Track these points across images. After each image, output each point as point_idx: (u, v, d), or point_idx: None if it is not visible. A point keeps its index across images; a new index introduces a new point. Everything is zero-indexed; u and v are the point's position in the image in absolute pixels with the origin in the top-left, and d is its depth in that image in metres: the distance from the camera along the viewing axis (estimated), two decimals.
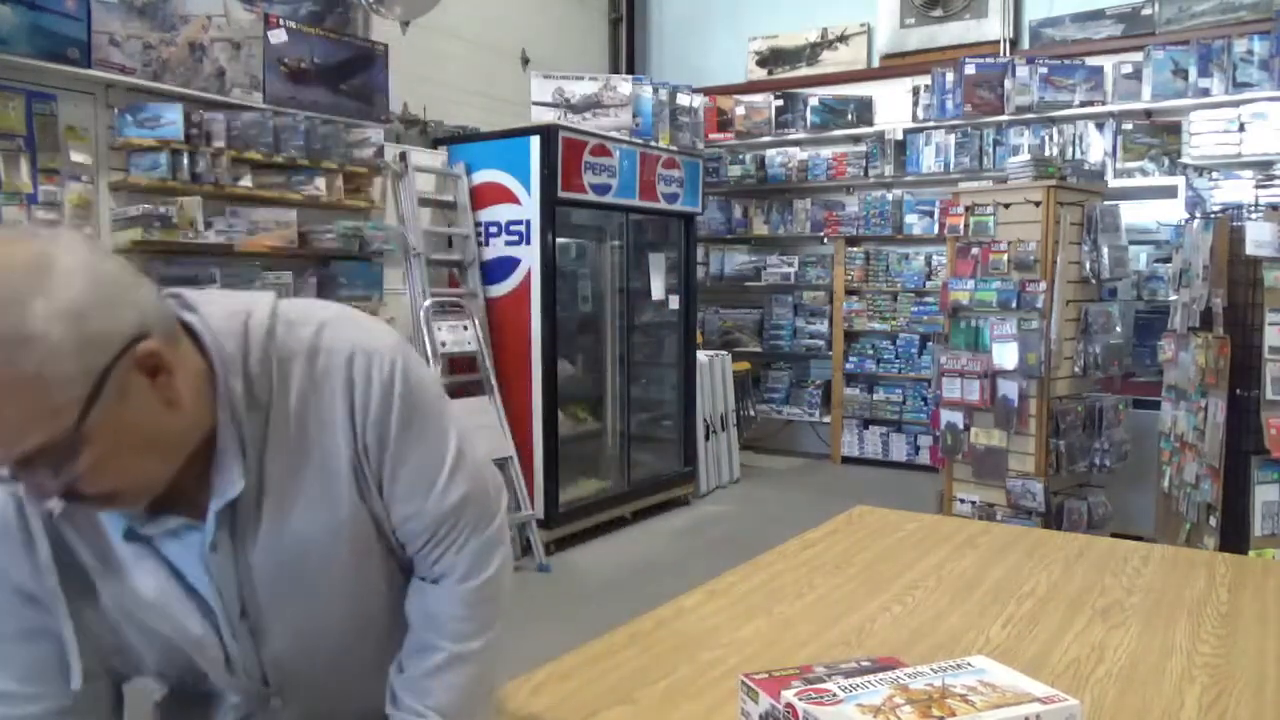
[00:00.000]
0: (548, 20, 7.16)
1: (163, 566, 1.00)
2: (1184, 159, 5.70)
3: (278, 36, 4.30)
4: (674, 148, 5.69)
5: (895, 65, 6.95)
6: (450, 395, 4.93)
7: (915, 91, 6.73)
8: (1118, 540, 2.20)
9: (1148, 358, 4.77)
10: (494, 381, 4.89)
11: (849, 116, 7.03)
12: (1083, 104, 6.06)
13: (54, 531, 0.97)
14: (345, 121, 4.54)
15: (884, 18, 7.03)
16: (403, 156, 4.84)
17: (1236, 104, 5.52)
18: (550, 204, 4.90)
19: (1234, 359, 3.47)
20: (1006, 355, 4.24)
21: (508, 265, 5.05)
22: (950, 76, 6.48)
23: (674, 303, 5.96)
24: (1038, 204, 4.21)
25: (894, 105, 6.89)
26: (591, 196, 5.10)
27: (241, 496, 0.97)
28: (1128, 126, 5.90)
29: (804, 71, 7.38)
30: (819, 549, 2.05)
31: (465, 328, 4.84)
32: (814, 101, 7.11)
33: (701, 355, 6.21)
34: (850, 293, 7.02)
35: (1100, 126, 5.99)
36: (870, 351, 7.00)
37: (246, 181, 4.08)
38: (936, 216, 6.58)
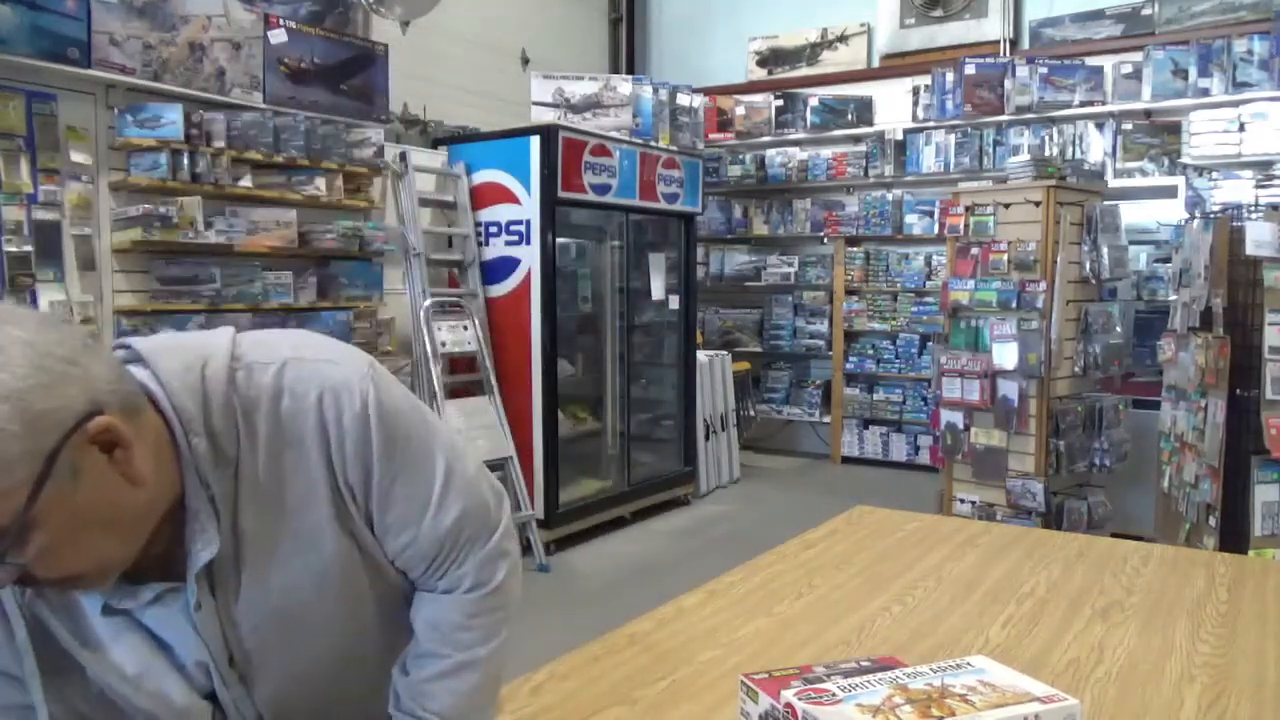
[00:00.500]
0: (548, 20, 7.16)
1: (145, 639, 0.98)
2: (1184, 159, 5.70)
3: (278, 36, 4.30)
4: (674, 148, 5.69)
5: (895, 65, 6.95)
6: (450, 395, 4.95)
7: (915, 91, 6.73)
8: (1117, 540, 2.20)
9: (1148, 358, 4.77)
10: (494, 381, 4.89)
11: (849, 116, 7.03)
12: (1083, 104, 6.06)
13: (30, 611, 0.95)
14: (345, 121, 4.54)
15: (884, 18, 7.03)
16: (403, 156, 4.84)
17: (1236, 104, 5.52)
18: (550, 204, 4.90)
19: (1234, 359, 3.47)
20: (1006, 355, 4.24)
21: (508, 265, 5.05)
22: (950, 76, 6.48)
23: (674, 303, 5.96)
24: (1038, 204, 4.21)
25: (894, 105, 6.89)
26: (591, 196, 5.10)
27: (218, 556, 0.94)
28: (1128, 126, 5.90)
29: (804, 71, 7.38)
30: (819, 549, 2.05)
31: (465, 328, 4.84)
32: (814, 101, 7.12)
33: (701, 355, 6.21)
34: (850, 293, 7.02)
35: (1100, 126, 5.99)
36: (870, 351, 7.00)
37: (246, 181, 4.08)
38: (936, 216, 6.58)
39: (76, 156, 3.67)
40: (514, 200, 5.00)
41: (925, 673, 1.07)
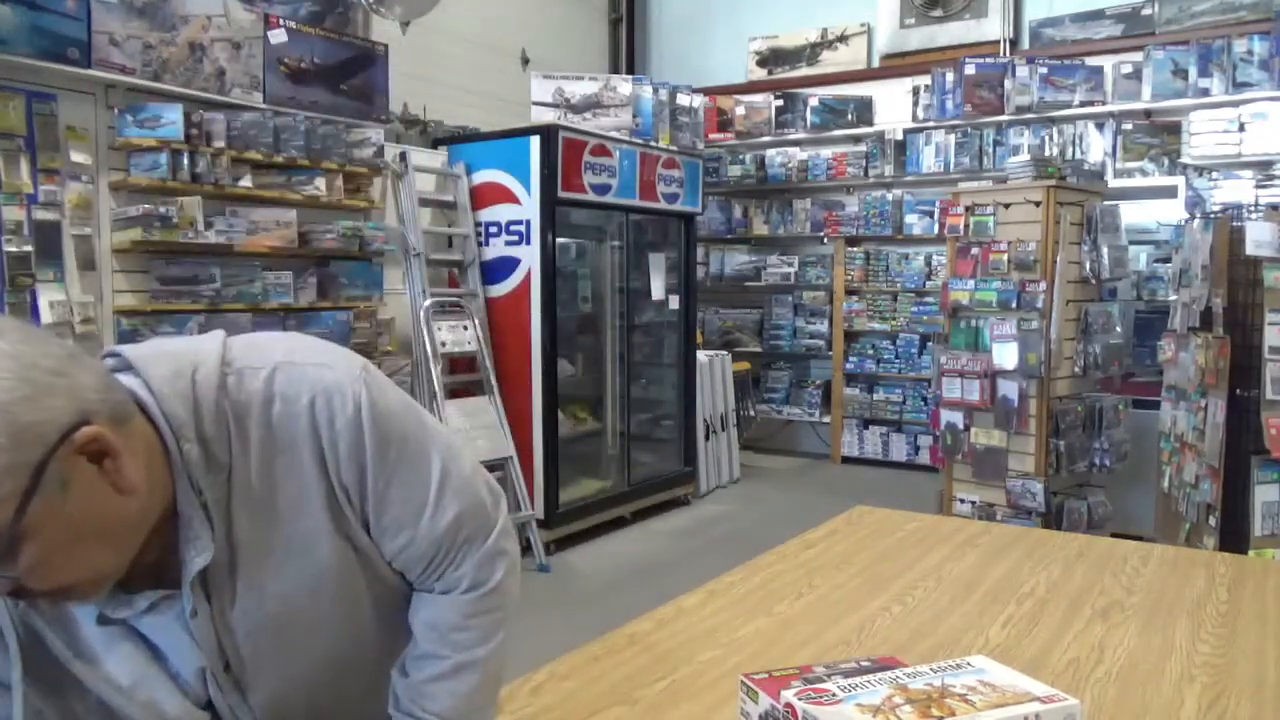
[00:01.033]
0: (548, 20, 7.16)
1: (139, 648, 0.97)
2: (1184, 159, 5.71)
3: (278, 36, 4.30)
4: (674, 148, 5.69)
5: (895, 65, 6.95)
6: (450, 395, 4.95)
7: (915, 91, 6.73)
8: (1117, 540, 2.20)
9: (1148, 358, 4.77)
10: (494, 381, 4.89)
11: (849, 116, 7.03)
12: (1083, 104, 6.06)
13: (24, 622, 0.95)
14: (345, 121, 4.54)
15: (884, 18, 7.03)
16: (403, 156, 4.84)
17: (1236, 104, 5.52)
18: (550, 204, 4.90)
19: (1234, 359, 3.47)
20: (1006, 355, 4.24)
21: (508, 265, 5.05)
22: (950, 76, 6.48)
23: (674, 303, 5.96)
24: (1038, 204, 4.21)
25: (894, 105, 6.89)
26: (591, 196, 5.10)
27: (213, 562, 0.94)
28: (1128, 126, 5.90)
29: (804, 71, 7.38)
30: (819, 549, 2.05)
31: (465, 328, 4.84)
32: (814, 101, 7.12)
33: (701, 355, 6.21)
34: (850, 293, 7.02)
35: (1100, 126, 5.99)
36: (870, 351, 7.00)
37: (246, 181, 4.08)
38: (936, 216, 6.58)
39: (76, 156, 3.67)
40: (514, 200, 5.00)
41: (925, 673, 1.07)
